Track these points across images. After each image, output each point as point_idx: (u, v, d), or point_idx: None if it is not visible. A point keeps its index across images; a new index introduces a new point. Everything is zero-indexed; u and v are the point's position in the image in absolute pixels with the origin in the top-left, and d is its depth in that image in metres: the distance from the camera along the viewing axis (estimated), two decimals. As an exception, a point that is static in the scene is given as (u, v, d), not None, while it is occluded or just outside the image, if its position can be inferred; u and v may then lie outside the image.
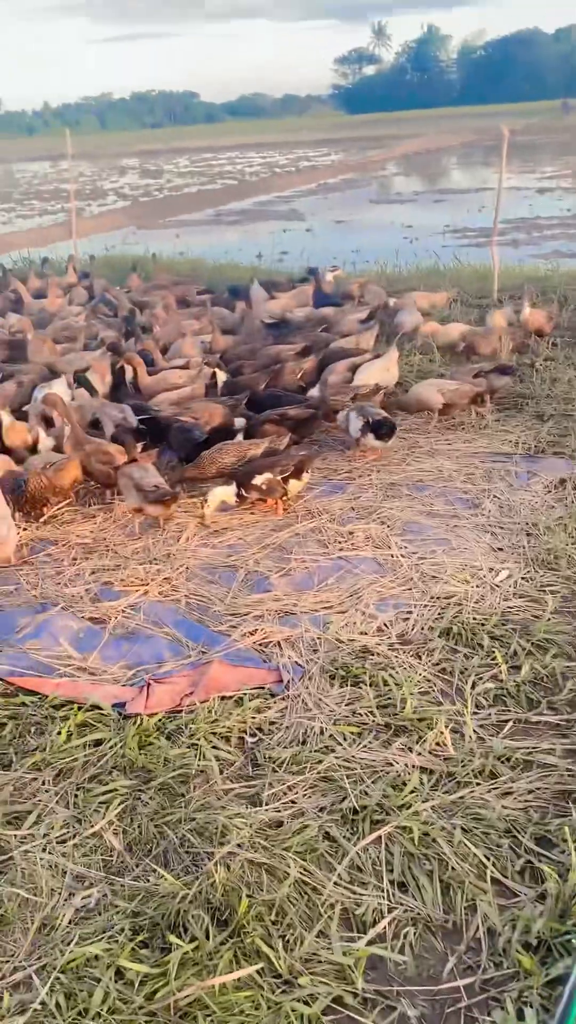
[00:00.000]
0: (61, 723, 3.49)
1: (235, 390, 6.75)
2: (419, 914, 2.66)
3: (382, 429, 5.80)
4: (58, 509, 5.48)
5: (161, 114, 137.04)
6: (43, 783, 3.22)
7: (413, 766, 3.19)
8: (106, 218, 24.67)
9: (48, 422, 6.23)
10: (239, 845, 2.83)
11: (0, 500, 4.73)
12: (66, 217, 22.73)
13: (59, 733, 3.42)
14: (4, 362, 8.12)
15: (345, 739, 3.36)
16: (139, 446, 5.81)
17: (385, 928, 2.61)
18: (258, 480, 5.14)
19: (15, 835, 2.99)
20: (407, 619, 4.12)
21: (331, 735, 3.38)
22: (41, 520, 5.37)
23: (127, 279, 11.80)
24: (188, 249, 16.71)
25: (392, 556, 4.68)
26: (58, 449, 5.84)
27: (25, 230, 23.06)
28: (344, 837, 2.91)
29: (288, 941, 2.54)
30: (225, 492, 5.22)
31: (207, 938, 2.52)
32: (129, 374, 7.12)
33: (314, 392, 6.61)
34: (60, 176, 43.76)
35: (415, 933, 2.60)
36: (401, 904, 2.69)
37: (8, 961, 2.54)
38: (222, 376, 7.01)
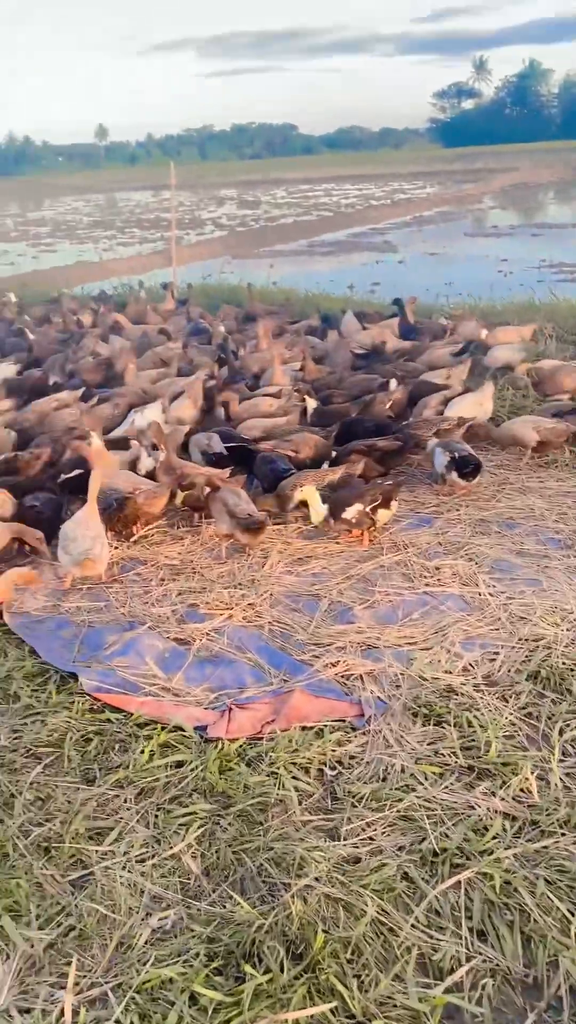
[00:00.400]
0: (144, 742, 3.55)
1: (325, 418, 6.81)
2: (498, 965, 2.59)
3: (466, 468, 5.75)
4: (148, 529, 5.60)
5: (260, 146, 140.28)
6: (125, 801, 3.27)
7: (496, 811, 3.12)
8: (203, 247, 25.28)
9: (153, 445, 6.35)
10: (316, 879, 2.82)
11: (96, 519, 4.86)
12: (165, 245, 23.43)
13: (142, 752, 3.48)
14: (100, 385, 8.40)
15: (426, 779, 3.31)
16: (227, 471, 5.93)
17: (463, 977, 2.55)
18: (348, 513, 5.15)
19: (96, 851, 3.04)
20: (493, 660, 4.04)
21: (412, 774, 3.33)
22: (132, 540, 5.50)
23: (220, 309, 12.03)
24: (282, 279, 16.97)
25: (479, 594, 4.61)
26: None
27: (125, 257, 23.82)
28: (423, 879, 2.86)
29: (363, 981, 2.51)
30: (313, 492, 5.26)
31: (281, 971, 2.50)
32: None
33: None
34: (161, 205, 45.12)
35: (494, 985, 2.53)
36: (480, 953, 2.62)
37: (86, 976, 2.58)
38: (312, 404, 7.08)
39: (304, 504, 5.46)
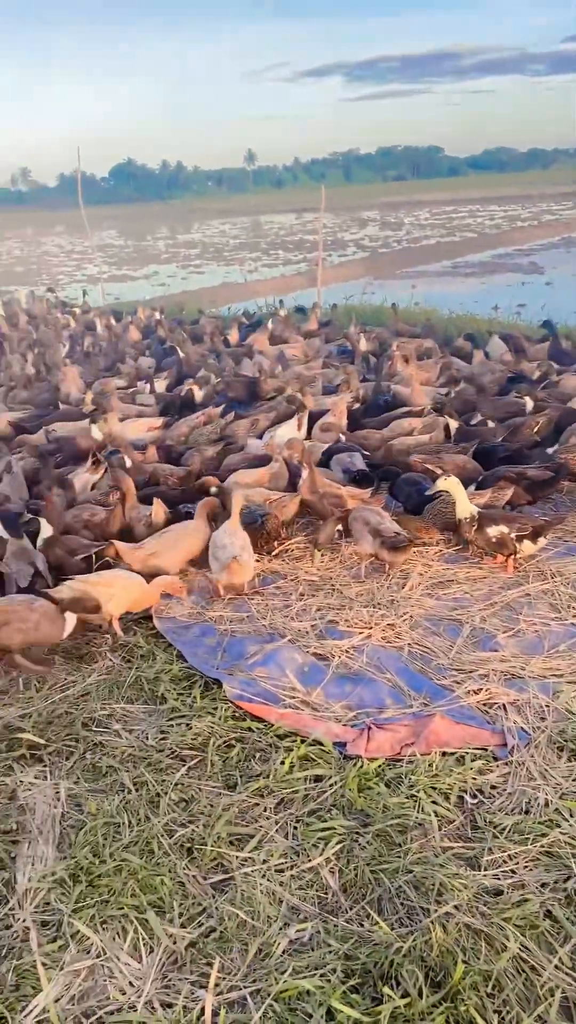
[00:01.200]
0: (284, 753, 3.59)
1: (469, 438, 6.74)
2: None
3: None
4: (289, 544, 5.68)
5: (405, 167, 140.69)
6: (265, 809, 3.32)
7: None
8: (345, 268, 25.54)
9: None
10: (456, 907, 2.77)
11: (241, 531, 4.99)
12: (307, 267, 23.80)
13: (282, 763, 3.52)
14: (240, 402, 8.66)
15: (572, 815, 3.19)
16: (367, 491, 5.96)
17: (610, 1027, 2.44)
18: (492, 531, 5.06)
19: (237, 856, 3.10)
20: None
21: (556, 809, 3.23)
22: (272, 553, 5.60)
23: (350, 328, 12.05)
24: (424, 299, 16.89)
25: (631, 629, 4.42)
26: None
27: (268, 279, 24.37)
28: (568, 919, 2.76)
29: (504, 1018, 2.44)
30: (457, 483, 5.21)
31: (420, 996, 2.47)
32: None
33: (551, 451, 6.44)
34: (304, 227, 45.92)
35: None
36: (629, 1005, 2.50)
37: (226, 978, 2.63)
38: (454, 424, 7.02)
39: (451, 528, 5.40)
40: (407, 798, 3.31)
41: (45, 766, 3.64)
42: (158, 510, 5.48)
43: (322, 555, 5.55)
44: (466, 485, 5.83)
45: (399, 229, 41.67)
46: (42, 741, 3.76)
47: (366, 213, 55.94)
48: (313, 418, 7.43)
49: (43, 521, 5.13)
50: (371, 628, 4.61)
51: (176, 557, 5.18)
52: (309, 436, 7.18)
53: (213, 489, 5.69)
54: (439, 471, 5.66)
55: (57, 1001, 2.58)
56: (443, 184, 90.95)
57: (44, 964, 2.69)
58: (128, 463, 6.32)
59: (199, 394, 8.66)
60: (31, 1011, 2.55)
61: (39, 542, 5.10)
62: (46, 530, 5.11)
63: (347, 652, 4.42)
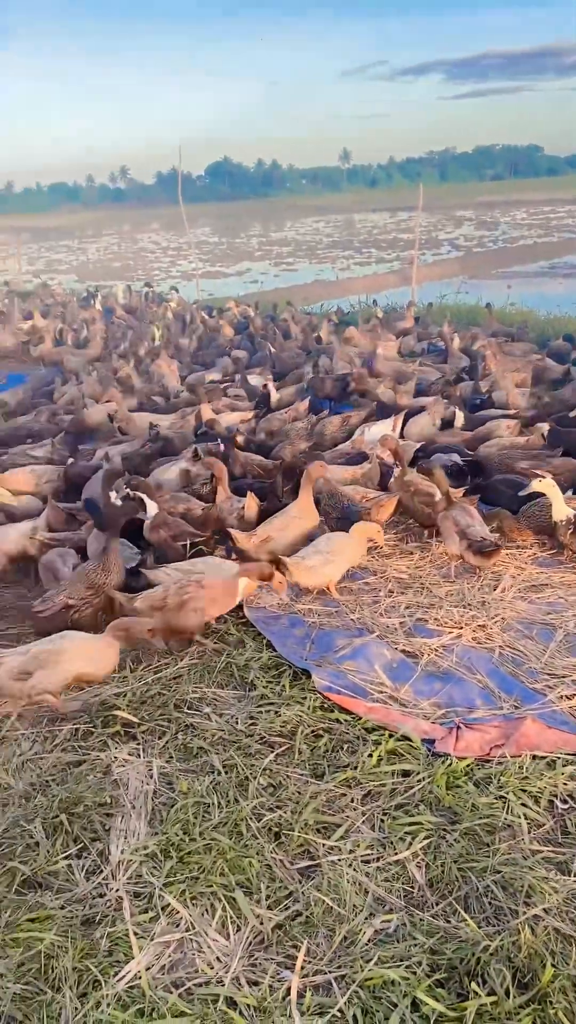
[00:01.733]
0: (372, 746, 3.61)
1: (563, 440, 6.60)
2: None
3: None
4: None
5: (502, 167, 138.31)
6: (352, 800, 3.34)
7: None
8: (439, 267, 25.29)
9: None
10: (546, 910, 2.74)
11: (338, 539, 4.99)
12: (399, 265, 23.65)
13: (370, 756, 3.54)
14: (331, 399, 8.68)
15: None
16: (461, 491, 5.90)
17: None
18: (588, 535, 4.97)
19: (324, 844, 3.13)
20: None
21: None
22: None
23: (442, 327, 11.91)
24: (520, 300, 16.58)
25: None
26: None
27: (360, 276, 24.33)
28: None
29: (593, 1026, 2.40)
30: (553, 484, 5.11)
31: (507, 996, 2.45)
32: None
33: None
34: (397, 226, 45.61)
35: None
36: None
37: (311, 962, 2.67)
38: (545, 426, 6.90)
39: (545, 532, 5.31)
40: (496, 799, 3.28)
41: (138, 744, 3.75)
42: (251, 503, 5.55)
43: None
44: (565, 490, 5.73)
45: (495, 229, 40.98)
46: (136, 720, 3.87)
47: (461, 212, 55.18)
48: (407, 416, 7.40)
49: (148, 501, 5.28)
50: (461, 628, 4.58)
51: (287, 540, 5.22)
52: (403, 435, 7.15)
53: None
54: (545, 474, 5.57)
55: (148, 969, 2.66)
56: (542, 184, 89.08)
57: (136, 933, 2.77)
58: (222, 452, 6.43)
59: (275, 396, 8.70)
60: (123, 976, 2.64)
61: (148, 520, 5.26)
62: (152, 508, 5.27)
63: (436, 650, 4.40)
